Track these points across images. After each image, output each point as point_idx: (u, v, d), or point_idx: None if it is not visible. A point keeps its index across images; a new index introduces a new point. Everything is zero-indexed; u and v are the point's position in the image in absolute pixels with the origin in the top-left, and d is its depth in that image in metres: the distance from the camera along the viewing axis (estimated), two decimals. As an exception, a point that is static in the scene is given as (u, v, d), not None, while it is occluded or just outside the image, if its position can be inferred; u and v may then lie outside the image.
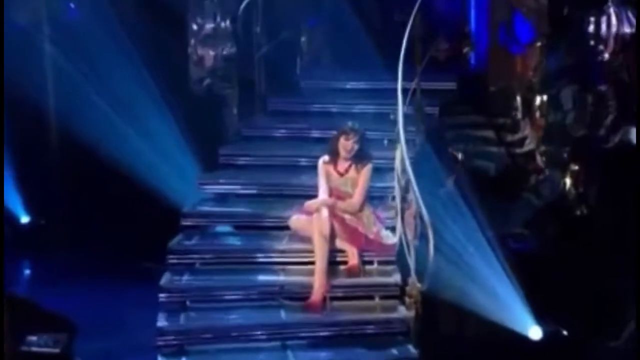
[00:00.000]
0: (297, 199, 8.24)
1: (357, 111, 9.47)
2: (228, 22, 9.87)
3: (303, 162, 8.89)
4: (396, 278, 7.62)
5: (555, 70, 9.50)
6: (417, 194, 7.13)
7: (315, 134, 9.38)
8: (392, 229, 7.93)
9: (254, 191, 8.73)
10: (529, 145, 9.64)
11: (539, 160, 9.57)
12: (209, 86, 9.95)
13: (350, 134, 7.92)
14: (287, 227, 8.07)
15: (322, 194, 7.94)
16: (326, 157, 8.05)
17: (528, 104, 9.65)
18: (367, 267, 7.81)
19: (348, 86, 10.27)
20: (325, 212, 7.72)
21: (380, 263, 7.86)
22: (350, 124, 8.01)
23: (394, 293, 7.57)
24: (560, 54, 9.43)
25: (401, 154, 7.71)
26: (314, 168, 8.23)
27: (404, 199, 7.54)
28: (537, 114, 9.58)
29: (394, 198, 8.19)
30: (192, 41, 9.88)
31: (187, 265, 7.87)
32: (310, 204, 7.89)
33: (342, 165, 8.01)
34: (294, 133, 9.61)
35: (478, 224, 8.71)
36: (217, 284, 7.67)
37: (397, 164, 7.91)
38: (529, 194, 9.56)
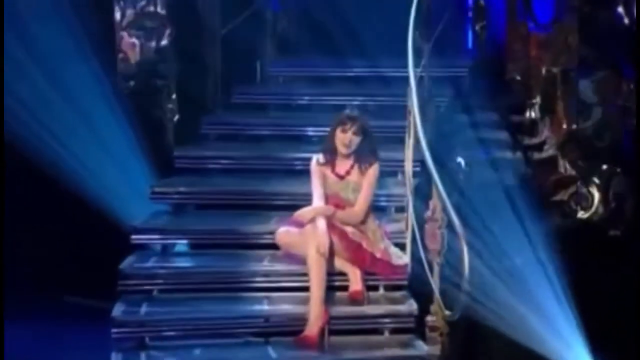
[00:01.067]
0: (276, 211, 7.91)
1: (341, 103, 8.74)
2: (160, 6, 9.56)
3: (281, 165, 8.65)
4: (411, 306, 7.13)
5: (583, 56, 9.02)
6: (445, 199, 6.63)
7: (294, 131, 9.16)
8: (401, 247, 7.45)
9: (221, 201, 8.30)
10: (549, 150, 9.19)
11: (562, 168, 9.12)
12: (147, 79, 9.58)
13: (347, 124, 7.27)
14: (266, 245, 7.58)
15: (317, 200, 7.28)
16: (320, 157, 7.41)
17: (549, 98, 9.18)
18: (372, 293, 7.30)
19: (330, 75, 10.05)
20: (322, 223, 7.06)
21: (387, 288, 7.39)
22: (347, 111, 7.39)
23: (408, 325, 7.10)
24: (590, 36, 8.97)
25: (412, 154, 7.41)
26: (297, 172, 8.02)
27: (426, 207, 6.97)
28: (560, 111, 9.13)
29: (402, 209, 7.74)
30: (119, 29, 9.58)
31: (143, 292, 7.31)
32: (303, 213, 7.22)
33: (342, 166, 7.38)
34: (267, 130, 9.28)
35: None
36: (183, 316, 7.09)
37: (408, 165, 7.50)
38: (550, 210, 9.06)
